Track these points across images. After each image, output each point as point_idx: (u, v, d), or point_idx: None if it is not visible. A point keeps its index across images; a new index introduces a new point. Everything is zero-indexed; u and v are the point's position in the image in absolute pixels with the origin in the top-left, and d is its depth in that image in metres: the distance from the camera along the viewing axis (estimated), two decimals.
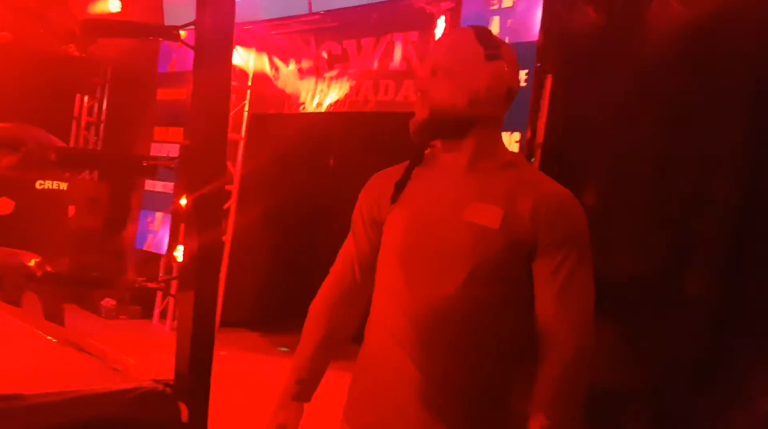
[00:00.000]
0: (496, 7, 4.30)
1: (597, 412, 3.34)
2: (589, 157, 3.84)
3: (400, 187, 1.56)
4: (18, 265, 1.34)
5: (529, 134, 4.02)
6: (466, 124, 1.50)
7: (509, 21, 4.22)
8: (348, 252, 1.65)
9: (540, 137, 4.03)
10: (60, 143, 2.77)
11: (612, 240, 3.60)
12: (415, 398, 1.46)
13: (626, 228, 3.66)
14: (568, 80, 3.96)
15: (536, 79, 4.01)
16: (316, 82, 5.80)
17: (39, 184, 4.13)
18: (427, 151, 1.59)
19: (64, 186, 4.27)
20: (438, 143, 1.55)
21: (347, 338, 1.67)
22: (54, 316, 4.22)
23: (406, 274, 1.50)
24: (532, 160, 3.99)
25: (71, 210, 4.42)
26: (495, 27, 4.25)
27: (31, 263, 1.36)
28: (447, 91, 1.49)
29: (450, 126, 1.51)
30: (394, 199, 1.55)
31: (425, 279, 1.48)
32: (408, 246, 1.51)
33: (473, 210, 1.47)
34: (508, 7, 4.24)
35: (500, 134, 1.58)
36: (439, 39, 1.60)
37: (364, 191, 1.65)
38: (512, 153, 1.61)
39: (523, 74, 3.99)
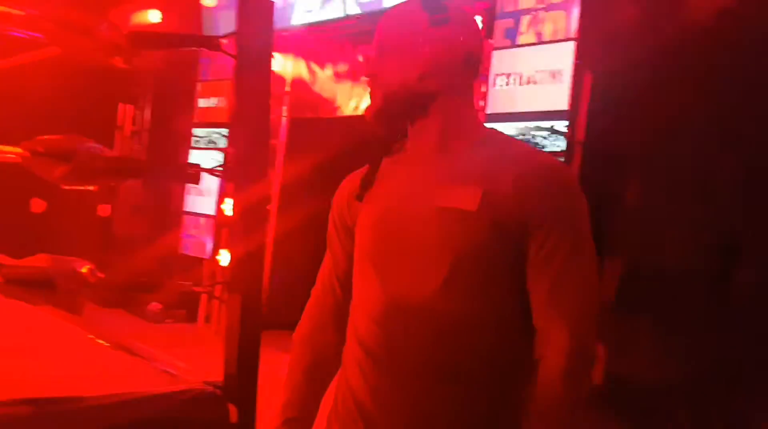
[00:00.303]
0: (531, 4, 4.27)
1: (639, 408, 3.30)
2: (630, 154, 3.80)
3: (366, 183, 1.39)
4: (71, 272, 1.37)
5: (569, 132, 3.98)
6: (425, 102, 1.32)
7: (546, 18, 4.18)
8: (326, 269, 1.49)
9: (580, 135, 3.99)
10: (108, 153, 2.83)
11: (655, 236, 3.56)
12: (389, 414, 1.29)
13: (669, 224, 3.60)
14: (608, 77, 3.92)
15: (575, 76, 3.98)
16: (353, 86, 5.83)
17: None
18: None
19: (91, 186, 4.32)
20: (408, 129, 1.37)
21: (338, 364, 1.46)
22: (75, 311, 4.33)
23: (380, 277, 1.31)
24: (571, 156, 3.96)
25: (103, 209, 4.50)
26: (531, 25, 4.22)
27: (84, 270, 1.40)
28: (395, 69, 1.32)
29: (408, 107, 1.33)
30: (360, 197, 1.39)
31: (401, 279, 1.29)
32: (379, 244, 1.33)
33: (447, 193, 1.27)
34: (544, 5, 4.21)
35: (472, 107, 1.37)
36: (384, 15, 1.37)
37: (335, 197, 1.49)
38: (489, 128, 1.38)
39: (562, 71, 3.96)
